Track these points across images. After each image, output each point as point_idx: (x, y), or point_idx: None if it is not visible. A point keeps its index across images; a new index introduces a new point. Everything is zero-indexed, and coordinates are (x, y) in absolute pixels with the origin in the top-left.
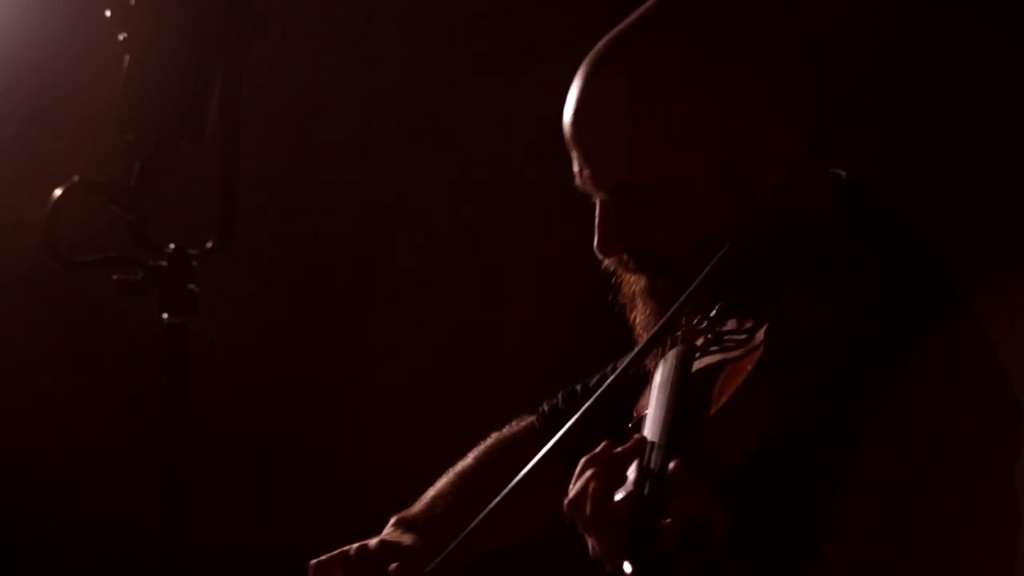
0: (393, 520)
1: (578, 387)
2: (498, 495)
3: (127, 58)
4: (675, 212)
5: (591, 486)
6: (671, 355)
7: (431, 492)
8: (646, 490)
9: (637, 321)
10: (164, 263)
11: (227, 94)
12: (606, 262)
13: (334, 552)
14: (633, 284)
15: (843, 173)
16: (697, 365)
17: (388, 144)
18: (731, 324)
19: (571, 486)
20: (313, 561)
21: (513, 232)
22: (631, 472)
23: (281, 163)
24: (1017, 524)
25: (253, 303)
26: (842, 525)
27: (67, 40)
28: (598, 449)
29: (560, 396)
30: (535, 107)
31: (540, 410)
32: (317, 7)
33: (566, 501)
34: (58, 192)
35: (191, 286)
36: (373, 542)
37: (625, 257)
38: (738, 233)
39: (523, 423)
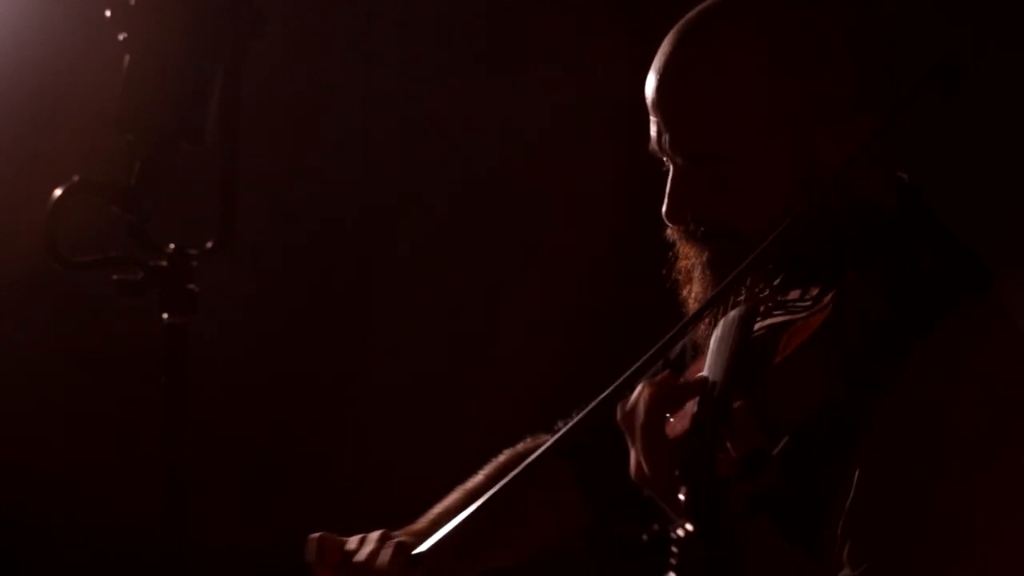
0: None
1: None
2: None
3: (127, 58)
4: (747, 186)
5: (651, 398)
6: (732, 314)
7: (437, 509)
8: (708, 419)
9: (692, 295)
10: (164, 263)
11: (227, 94)
12: (670, 230)
13: (336, 538)
14: (692, 257)
15: (905, 176)
16: (761, 325)
17: (388, 144)
18: (795, 295)
19: (631, 397)
20: (314, 535)
21: (513, 232)
22: (691, 404)
23: (281, 163)
24: None
25: (253, 303)
26: (859, 513)
27: (67, 40)
28: (663, 374)
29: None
30: (535, 107)
31: (556, 428)
32: (317, 7)
33: (620, 409)
34: (58, 192)
35: (191, 286)
36: (374, 534)
37: (692, 226)
38: (804, 210)
39: (536, 441)
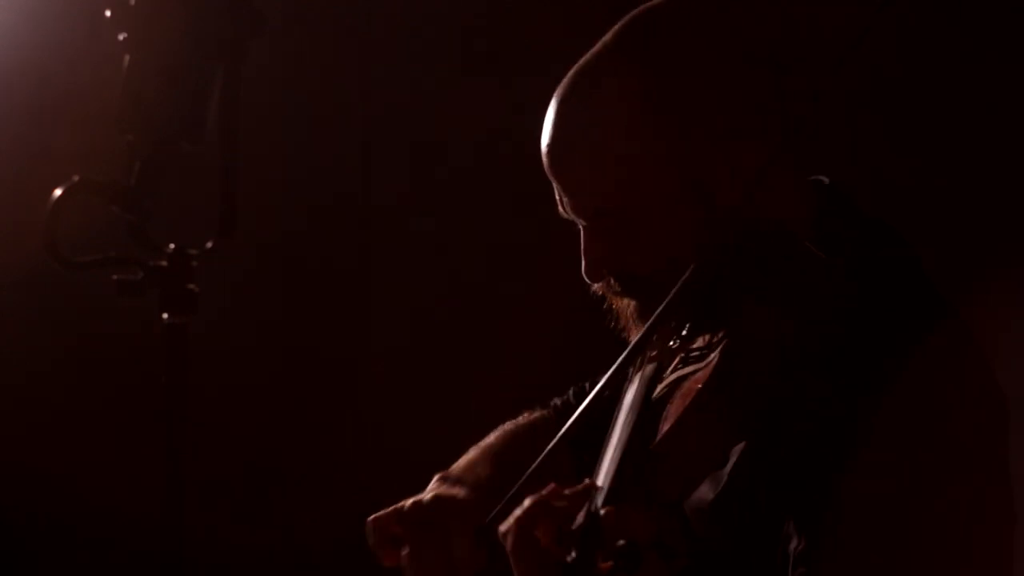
0: (437, 477)
1: (587, 384)
2: (525, 468)
3: (127, 58)
4: (650, 232)
5: (522, 519)
6: (636, 379)
7: (464, 460)
8: (582, 530)
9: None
10: (164, 263)
11: (227, 94)
12: (594, 287)
13: (388, 508)
14: (624, 307)
15: (825, 179)
16: (666, 383)
17: (388, 144)
18: (701, 341)
19: (508, 521)
20: (370, 517)
21: (513, 233)
22: (579, 517)
23: (281, 163)
24: (1011, 524)
25: (253, 303)
26: (836, 536)
27: (67, 40)
28: (545, 491)
29: (572, 391)
30: (536, 108)
31: (552, 404)
32: (317, 7)
33: (500, 530)
34: (58, 192)
35: (191, 286)
36: (426, 497)
37: (611, 281)
38: (703, 252)
39: (535, 415)
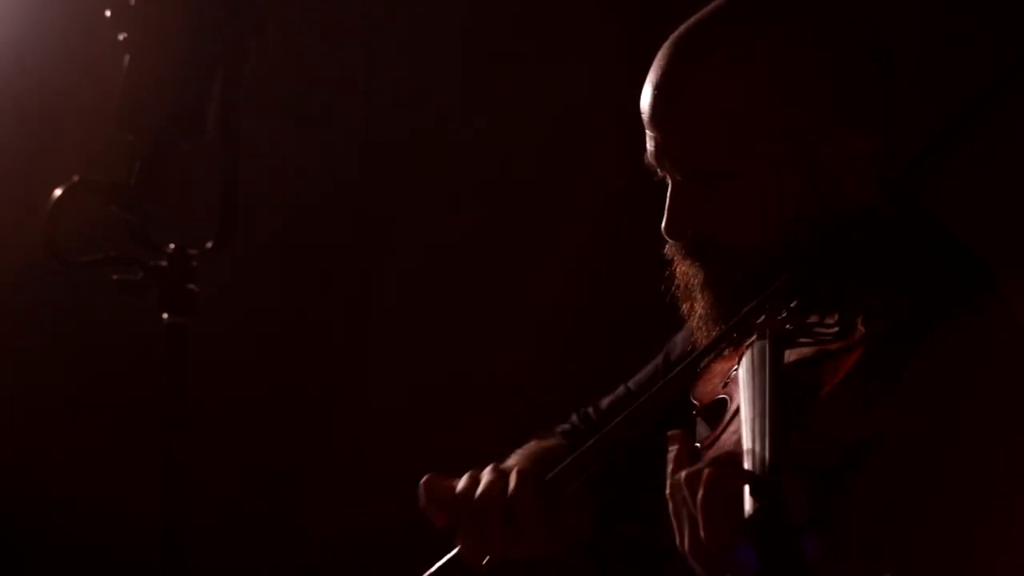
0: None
1: (590, 409)
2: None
3: (127, 58)
4: (748, 202)
5: (707, 472)
6: (757, 346)
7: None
8: (762, 490)
9: (695, 311)
10: (164, 263)
11: (227, 94)
12: (668, 247)
13: (442, 479)
14: (690, 275)
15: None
16: (790, 356)
17: (388, 146)
18: (813, 318)
19: (678, 470)
20: (424, 479)
21: (514, 236)
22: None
23: (281, 163)
24: None
25: (253, 303)
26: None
27: (67, 40)
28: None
29: (575, 417)
30: (537, 109)
31: (560, 430)
32: (317, 7)
33: (672, 482)
34: (58, 192)
35: (191, 286)
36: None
37: (691, 242)
38: (802, 229)
39: (550, 442)
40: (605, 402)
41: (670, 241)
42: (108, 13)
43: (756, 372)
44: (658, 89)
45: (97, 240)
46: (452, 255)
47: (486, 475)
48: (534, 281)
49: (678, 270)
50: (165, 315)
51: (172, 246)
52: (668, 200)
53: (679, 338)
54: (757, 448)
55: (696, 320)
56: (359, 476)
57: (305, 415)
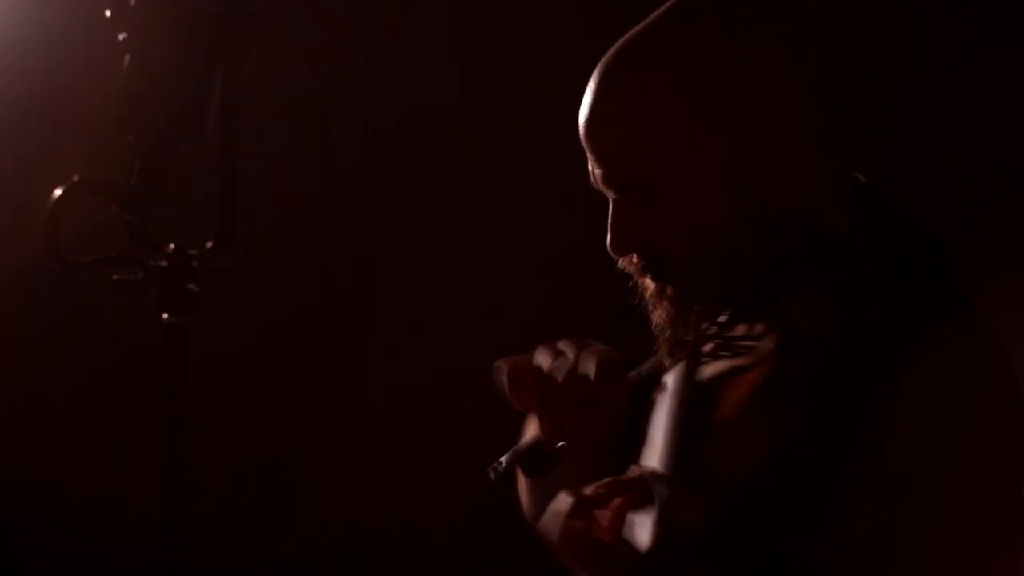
0: None
1: None
2: None
3: (127, 58)
4: (676, 211)
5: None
6: (677, 368)
7: None
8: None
9: (653, 322)
10: (164, 263)
11: (227, 94)
12: (620, 264)
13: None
14: (646, 287)
15: (861, 177)
16: (709, 371)
17: (388, 143)
18: (740, 330)
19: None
20: (502, 360)
21: (514, 232)
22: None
23: (281, 163)
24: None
25: (253, 303)
26: (843, 535)
27: (67, 40)
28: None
29: None
30: (536, 106)
31: None
32: (317, 7)
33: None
34: (58, 192)
35: (191, 286)
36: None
37: (635, 259)
38: (731, 239)
39: None
40: None
41: (616, 258)
42: (108, 13)
43: (669, 391)
44: (585, 108)
45: (97, 240)
46: (452, 256)
47: (569, 351)
48: (534, 278)
49: (640, 283)
50: (165, 315)
51: (172, 246)
52: (609, 219)
53: None
54: (653, 467)
55: (655, 330)
56: (359, 476)
57: (305, 415)
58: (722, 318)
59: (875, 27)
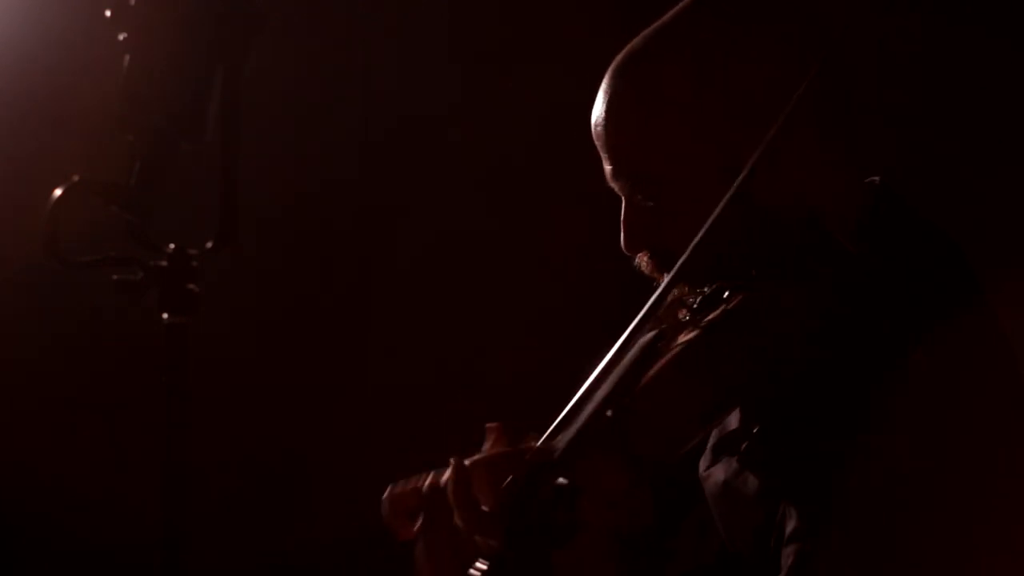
0: None
1: None
2: None
3: (127, 58)
4: (683, 210)
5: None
6: (640, 340)
7: None
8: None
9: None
10: (164, 263)
11: (227, 94)
12: (635, 262)
13: (407, 483)
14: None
15: (876, 179)
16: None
17: (388, 144)
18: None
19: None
20: (387, 493)
21: (514, 232)
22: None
23: (281, 163)
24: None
25: (253, 303)
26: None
27: (67, 40)
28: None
29: None
30: (536, 106)
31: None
32: (317, 7)
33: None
34: (58, 192)
35: (191, 286)
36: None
37: (646, 257)
38: (723, 233)
39: None
40: None
41: (631, 256)
42: (108, 13)
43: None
44: (597, 109)
45: (97, 240)
46: (451, 256)
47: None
48: (534, 278)
49: (656, 280)
50: (165, 315)
51: (172, 246)
52: (622, 218)
53: None
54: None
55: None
56: (359, 475)
57: (305, 415)
58: (694, 304)
59: (875, 27)
